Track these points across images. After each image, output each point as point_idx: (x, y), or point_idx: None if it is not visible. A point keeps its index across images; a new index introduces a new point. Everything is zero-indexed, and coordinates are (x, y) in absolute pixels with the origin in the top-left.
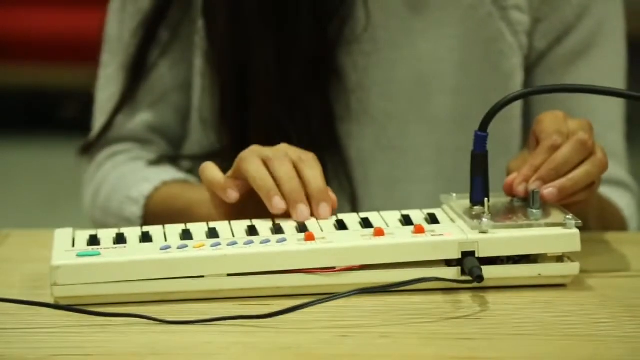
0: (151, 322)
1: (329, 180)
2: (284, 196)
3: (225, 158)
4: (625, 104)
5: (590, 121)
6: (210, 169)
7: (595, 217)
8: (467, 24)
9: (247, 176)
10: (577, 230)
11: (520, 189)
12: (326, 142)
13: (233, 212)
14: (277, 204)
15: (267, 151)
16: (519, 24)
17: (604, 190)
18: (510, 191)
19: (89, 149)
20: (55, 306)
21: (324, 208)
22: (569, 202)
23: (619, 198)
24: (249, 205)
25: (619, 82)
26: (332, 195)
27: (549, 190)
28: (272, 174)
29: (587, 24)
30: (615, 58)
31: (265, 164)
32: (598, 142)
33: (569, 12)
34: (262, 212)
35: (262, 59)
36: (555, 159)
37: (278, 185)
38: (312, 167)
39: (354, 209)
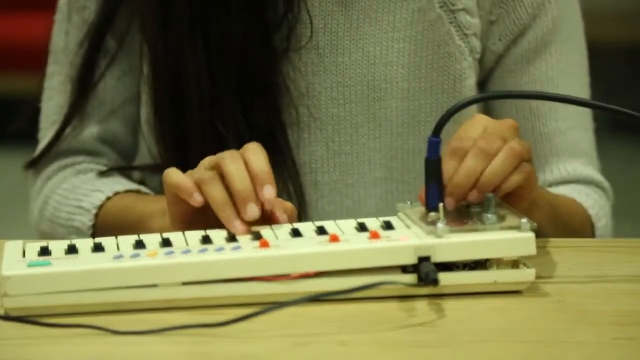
0: (104, 332)
1: (277, 187)
2: (234, 195)
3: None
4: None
5: (514, 122)
6: (175, 173)
7: (548, 218)
8: (416, 27)
9: (207, 197)
10: (532, 234)
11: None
12: (272, 151)
13: (189, 221)
14: (238, 229)
15: (220, 154)
16: (468, 27)
17: (567, 190)
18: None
19: (37, 163)
20: (6, 317)
21: (268, 190)
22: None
23: (586, 197)
24: (205, 216)
25: (580, 79)
26: (289, 204)
27: (470, 194)
28: (223, 173)
29: (541, 23)
30: (574, 55)
31: (218, 166)
32: (561, 140)
33: (522, 13)
34: (220, 224)
35: (193, 69)
36: (460, 172)
37: (228, 183)
38: (255, 153)
39: (303, 214)
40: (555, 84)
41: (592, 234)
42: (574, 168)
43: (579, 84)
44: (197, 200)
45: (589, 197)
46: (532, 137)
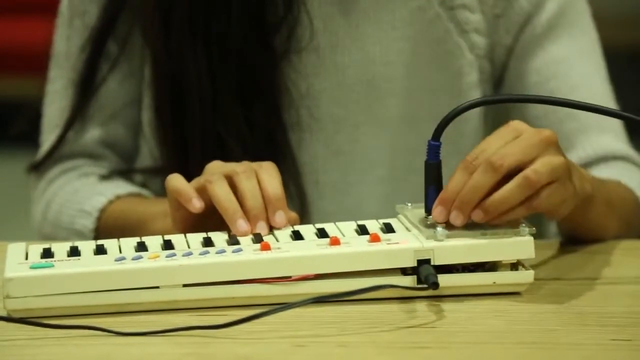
0: (106, 333)
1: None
2: (245, 211)
3: (174, 172)
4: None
5: (552, 133)
6: (176, 179)
7: (604, 215)
8: (415, 26)
9: (212, 196)
10: (530, 238)
11: (435, 213)
12: (273, 152)
13: (191, 227)
14: (241, 227)
15: (232, 166)
16: (467, 23)
17: (609, 172)
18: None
19: (39, 166)
20: (8, 319)
21: (280, 216)
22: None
23: (629, 179)
24: (208, 223)
25: (595, 60)
26: (293, 214)
27: (474, 213)
28: (237, 188)
29: (547, 8)
30: (586, 38)
31: (230, 178)
32: (586, 116)
33: (525, 2)
34: (222, 229)
35: (194, 71)
36: (467, 186)
37: (241, 199)
38: (270, 175)
39: (304, 215)
40: (570, 63)
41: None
42: (607, 143)
43: (595, 65)
44: (195, 206)
45: (632, 178)
46: (557, 117)
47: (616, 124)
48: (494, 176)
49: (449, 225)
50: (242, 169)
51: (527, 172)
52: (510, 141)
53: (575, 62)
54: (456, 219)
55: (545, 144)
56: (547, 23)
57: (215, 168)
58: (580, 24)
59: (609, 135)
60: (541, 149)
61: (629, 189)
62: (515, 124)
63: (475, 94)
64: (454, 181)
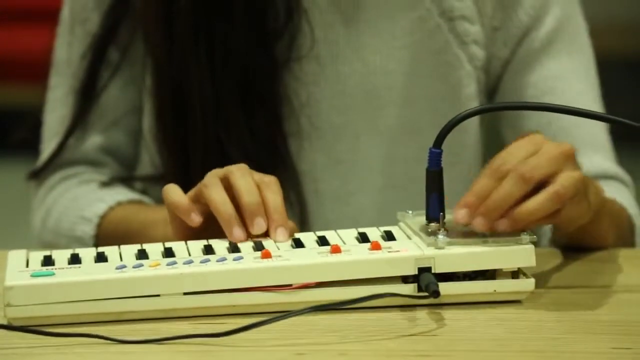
0: (107, 342)
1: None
2: (242, 208)
3: (175, 179)
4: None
5: (571, 147)
6: (173, 191)
7: (609, 226)
8: (416, 35)
9: (208, 202)
10: (531, 246)
11: (458, 215)
12: (273, 160)
13: (192, 235)
14: (236, 234)
15: (228, 167)
16: (466, 35)
17: (605, 190)
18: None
19: (39, 173)
20: (9, 327)
21: (282, 232)
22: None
23: (621, 197)
24: (209, 230)
25: (590, 77)
26: (291, 223)
27: (500, 222)
28: (232, 186)
29: (545, 23)
30: (582, 54)
31: (226, 179)
32: (578, 133)
33: (523, 15)
34: (221, 236)
35: (196, 78)
36: (496, 194)
37: (237, 196)
38: (273, 192)
39: (304, 223)
40: (567, 80)
41: (632, 234)
42: (600, 162)
43: (590, 84)
44: (194, 221)
45: (623, 197)
46: (550, 131)
47: (606, 143)
48: (524, 187)
49: (450, 233)
50: (237, 168)
51: (557, 187)
52: (532, 153)
53: (571, 79)
54: (480, 224)
55: (565, 157)
56: (545, 38)
57: (213, 173)
58: (578, 41)
59: (601, 154)
60: (562, 163)
61: (622, 207)
62: (534, 136)
63: (474, 105)
64: (480, 186)
